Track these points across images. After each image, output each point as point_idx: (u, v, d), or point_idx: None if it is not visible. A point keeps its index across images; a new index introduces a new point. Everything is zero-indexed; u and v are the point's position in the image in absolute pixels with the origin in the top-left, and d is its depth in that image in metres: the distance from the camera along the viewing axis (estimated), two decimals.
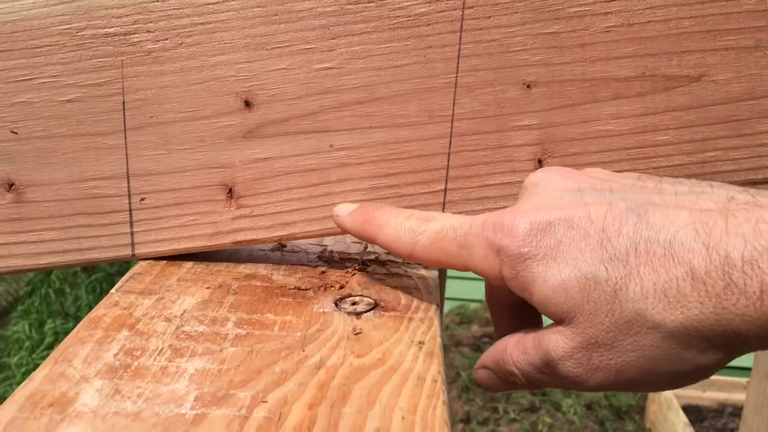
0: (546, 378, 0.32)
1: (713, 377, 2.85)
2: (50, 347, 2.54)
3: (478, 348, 2.88)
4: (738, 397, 2.80)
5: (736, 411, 2.80)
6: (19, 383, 2.50)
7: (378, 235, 0.35)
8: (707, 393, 2.85)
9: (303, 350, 0.31)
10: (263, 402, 0.27)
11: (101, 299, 0.35)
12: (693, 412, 2.76)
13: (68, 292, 2.81)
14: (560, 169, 0.33)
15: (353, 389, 0.29)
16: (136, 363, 0.29)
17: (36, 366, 2.51)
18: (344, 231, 0.38)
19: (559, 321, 0.30)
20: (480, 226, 0.31)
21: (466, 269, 0.32)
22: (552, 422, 2.61)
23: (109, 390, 0.27)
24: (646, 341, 0.28)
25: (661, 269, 0.27)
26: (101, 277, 2.82)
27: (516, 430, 2.56)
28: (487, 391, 0.34)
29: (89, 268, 2.80)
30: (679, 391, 2.78)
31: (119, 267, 2.85)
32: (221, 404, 0.27)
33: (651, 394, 2.79)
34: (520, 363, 0.32)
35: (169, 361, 0.30)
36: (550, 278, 0.29)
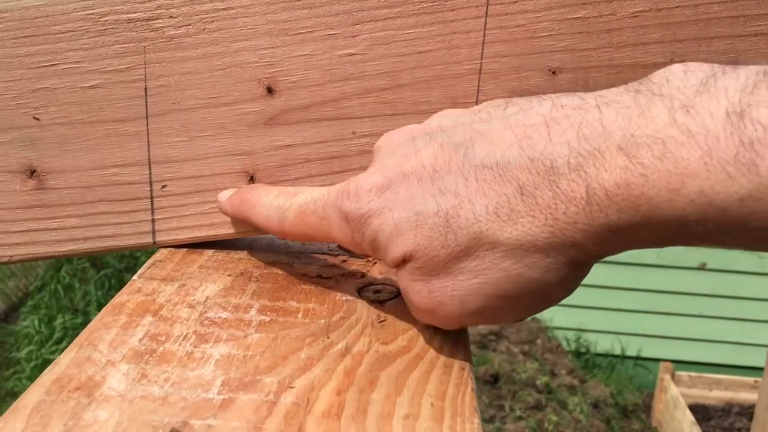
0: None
1: (719, 376, 2.84)
2: (59, 342, 2.55)
3: (485, 346, 2.87)
4: (745, 396, 2.79)
5: (743, 410, 2.78)
6: (28, 377, 2.51)
7: (251, 215, 0.35)
8: (714, 392, 2.84)
9: (328, 337, 0.31)
10: (290, 387, 0.27)
11: (110, 295, 0.35)
12: (700, 411, 2.75)
13: (77, 288, 2.82)
14: (401, 129, 0.33)
15: (380, 376, 0.28)
16: (161, 348, 0.29)
17: (45, 361, 2.52)
18: (228, 216, 0.39)
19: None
20: (334, 195, 0.31)
21: (331, 241, 0.32)
22: (558, 420, 2.60)
23: (135, 374, 0.27)
24: (485, 264, 0.28)
25: (491, 192, 0.27)
26: (110, 273, 2.83)
27: (522, 428, 2.55)
28: None
29: (98, 264, 2.81)
30: (685, 390, 2.77)
31: (128, 263, 2.86)
32: (248, 389, 0.27)
33: (657, 393, 2.77)
34: None
35: (195, 347, 0.30)
36: (386, 226, 0.29)
